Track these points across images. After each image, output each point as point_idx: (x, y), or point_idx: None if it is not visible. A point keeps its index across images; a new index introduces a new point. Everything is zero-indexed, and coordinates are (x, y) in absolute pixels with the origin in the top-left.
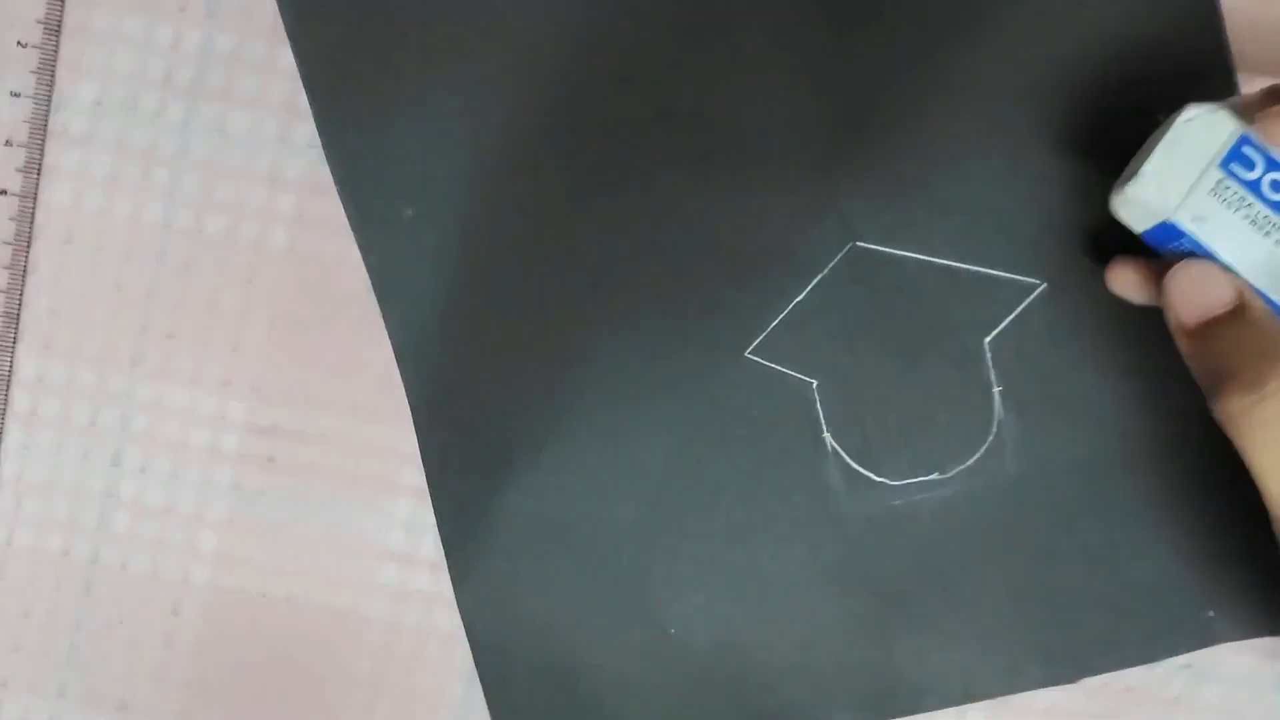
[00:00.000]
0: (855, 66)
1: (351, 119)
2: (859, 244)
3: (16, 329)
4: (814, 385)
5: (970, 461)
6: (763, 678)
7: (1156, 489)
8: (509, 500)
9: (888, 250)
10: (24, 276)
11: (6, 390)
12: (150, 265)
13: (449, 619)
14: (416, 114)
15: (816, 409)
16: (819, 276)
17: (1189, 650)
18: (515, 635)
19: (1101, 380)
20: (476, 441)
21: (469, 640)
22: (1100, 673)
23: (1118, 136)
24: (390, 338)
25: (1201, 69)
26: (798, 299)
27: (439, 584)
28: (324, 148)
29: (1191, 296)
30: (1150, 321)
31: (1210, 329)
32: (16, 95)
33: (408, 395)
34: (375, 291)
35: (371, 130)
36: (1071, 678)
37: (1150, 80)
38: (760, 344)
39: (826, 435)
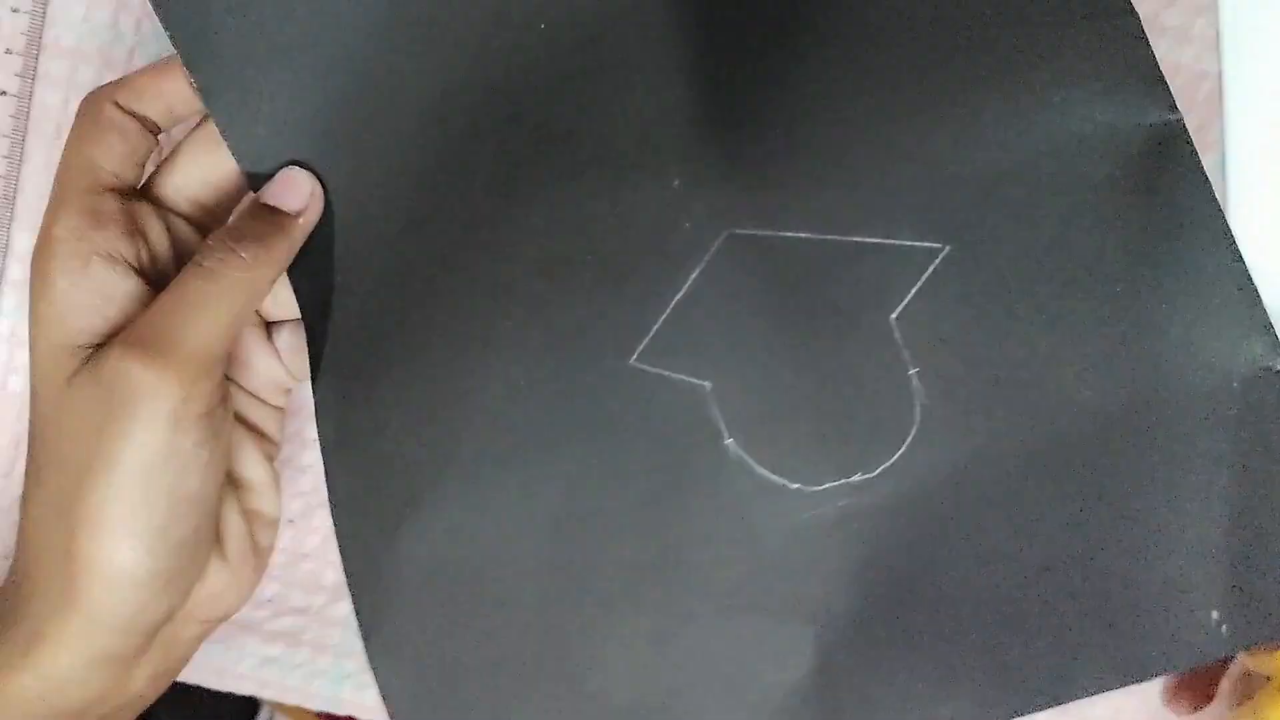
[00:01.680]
0: (711, 45)
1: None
2: (735, 231)
3: (13, 210)
4: (708, 388)
5: (895, 457)
6: None
7: (1133, 472)
8: (410, 544)
9: (767, 234)
10: (19, 166)
11: (4, 260)
12: None
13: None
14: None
15: (714, 414)
16: (697, 270)
17: (1194, 663)
18: (428, 692)
19: (1038, 347)
20: (378, 482)
21: (382, 697)
22: (1083, 695)
23: (1007, 73)
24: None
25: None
26: (678, 297)
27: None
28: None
29: None
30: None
31: None
32: (16, 11)
33: (320, 442)
34: None
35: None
36: (1045, 704)
37: (1033, 11)
38: (645, 349)
39: (729, 442)
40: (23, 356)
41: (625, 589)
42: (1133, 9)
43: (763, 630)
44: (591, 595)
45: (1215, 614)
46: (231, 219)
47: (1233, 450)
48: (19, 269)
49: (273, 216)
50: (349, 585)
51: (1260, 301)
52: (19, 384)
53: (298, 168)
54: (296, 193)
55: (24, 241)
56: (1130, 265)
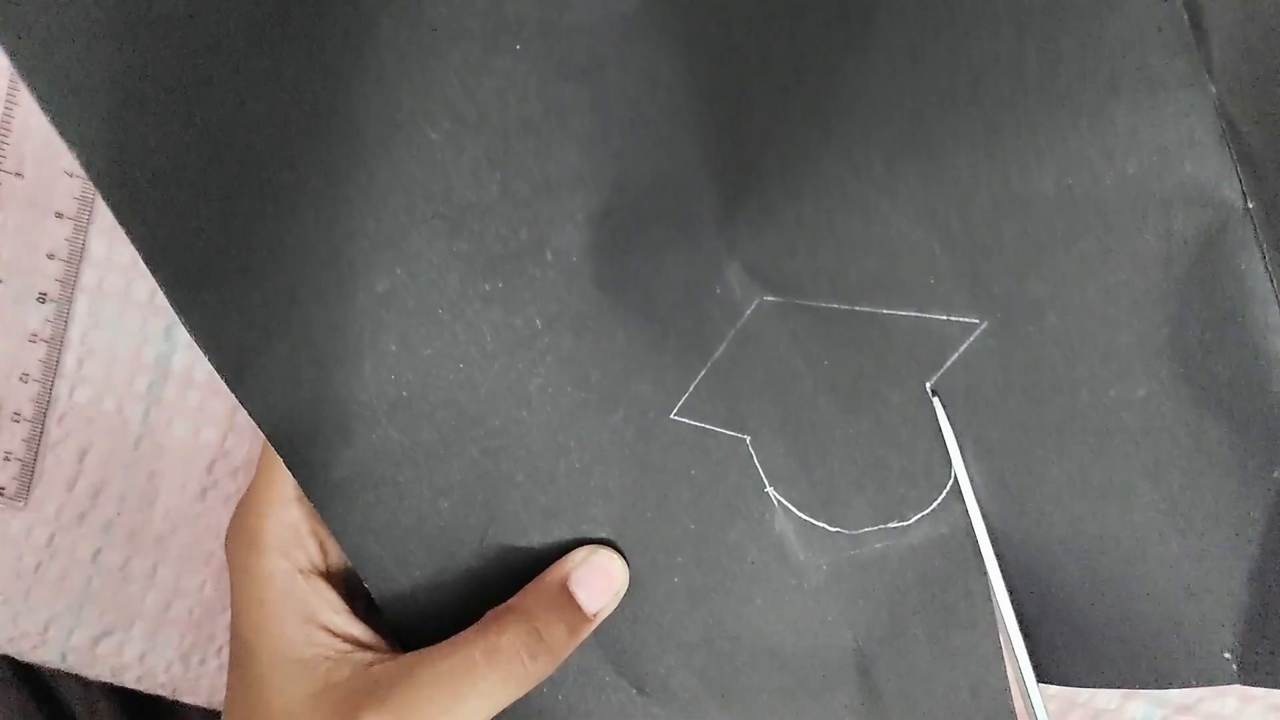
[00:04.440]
0: (738, 102)
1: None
2: (766, 298)
3: (90, 212)
4: (747, 441)
5: (931, 508)
6: None
7: (1159, 526)
8: (458, 592)
9: (800, 302)
10: None
11: (79, 264)
12: None
13: None
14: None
15: (755, 464)
16: (731, 333)
17: (1201, 685)
18: None
19: (1076, 411)
20: (421, 534)
21: None
22: (1100, 687)
23: (1056, 141)
24: None
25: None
26: (715, 357)
27: None
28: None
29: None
30: (1132, 338)
31: None
32: None
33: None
34: None
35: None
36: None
37: (1080, 76)
38: (685, 404)
39: (770, 490)
40: (92, 366)
41: (677, 614)
42: (1204, 80)
43: (808, 649)
44: (644, 618)
45: (1228, 654)
46: (532, 598)
47: (1265, 520)
48: (94, 274)
49: (577, 606)
50: (384, 615)
51: None
52: (86, 395)
53: (613, 555)
54: (608, 586)
55: (100, 247)
56: (1181, 353)
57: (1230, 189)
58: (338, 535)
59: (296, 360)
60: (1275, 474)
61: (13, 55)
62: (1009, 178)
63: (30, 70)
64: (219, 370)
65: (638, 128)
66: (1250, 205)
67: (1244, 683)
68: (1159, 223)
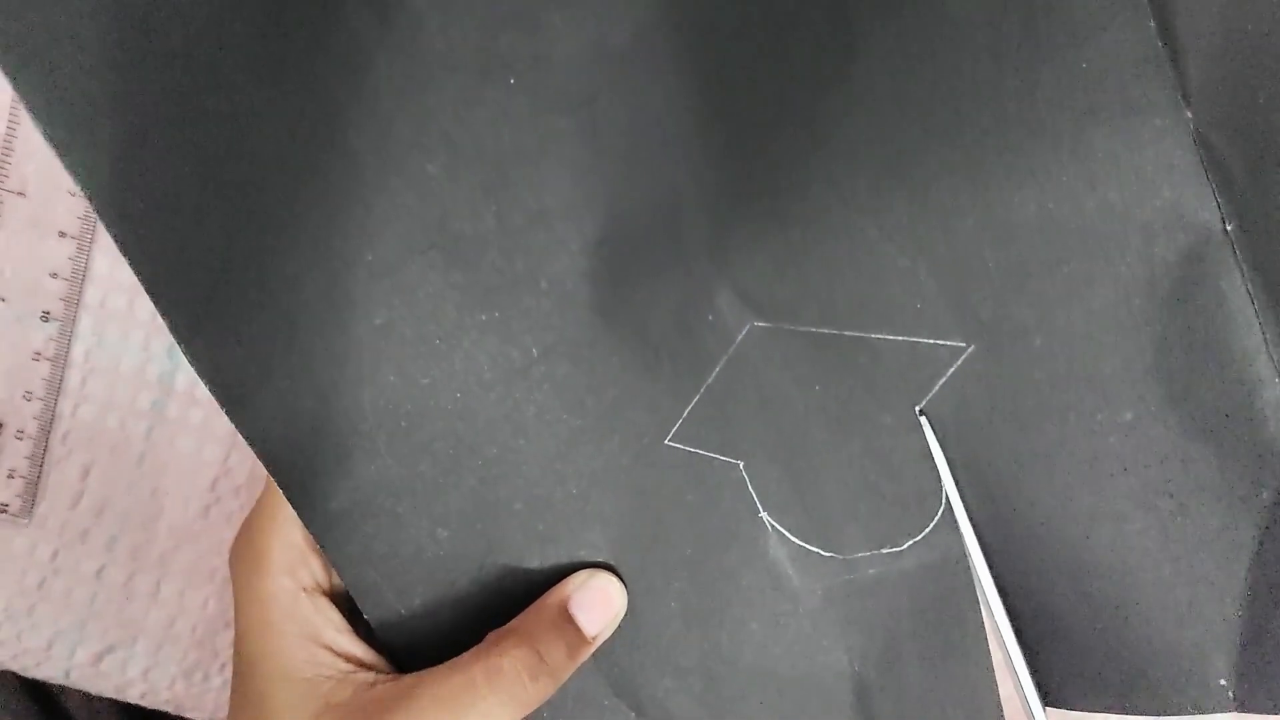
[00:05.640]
0: (727, 132)
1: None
2: (757, 324)
3: (94, 231)
4: (741, 466)
5: (924, 534)
6: None
7: (1152, 550)
8: (457, 620)
9: (790, 328)
10: None
11: (82, 283)
12: None
13: None
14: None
15: (748, 489)
16: (724, 359)
17: (1198, 713)
18: None
19: (1065, 435)
20: (419, 562)
21: None
22: (1095, 710)
23: (1040, 165)
24: None
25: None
26: (707, 382)
27: None
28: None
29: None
30: (1117, 362)
31: None
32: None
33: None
34: None
35: None
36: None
37: (1058, 104)
38: (679, 431)
39: (763, 515)
40: (96, 383)
41: (674, 636)
42: (1180, 106)
43: (803, 674)
44: (640, 641)
45: (1223, 681)
46: (533, 620)
47: (1254, 544)
48: (97, 292)
49: (577, 629)
50: (383, 647)
51: None
52: (90, 413)
53: (612, 578)
54: (607, 608)
55: (104, 265)
56: (1166, 376)
57: (1208, 212)
58: (337, 566)
59: (296, 391)
60: (1263, 497)
61: (17, 86)
62: (991, 203)
63: (34, 101)
64: (219, 400)
65: (630, 157)
66: (1229, 228)
67: (1240, 709)
68: (1140, 247)
